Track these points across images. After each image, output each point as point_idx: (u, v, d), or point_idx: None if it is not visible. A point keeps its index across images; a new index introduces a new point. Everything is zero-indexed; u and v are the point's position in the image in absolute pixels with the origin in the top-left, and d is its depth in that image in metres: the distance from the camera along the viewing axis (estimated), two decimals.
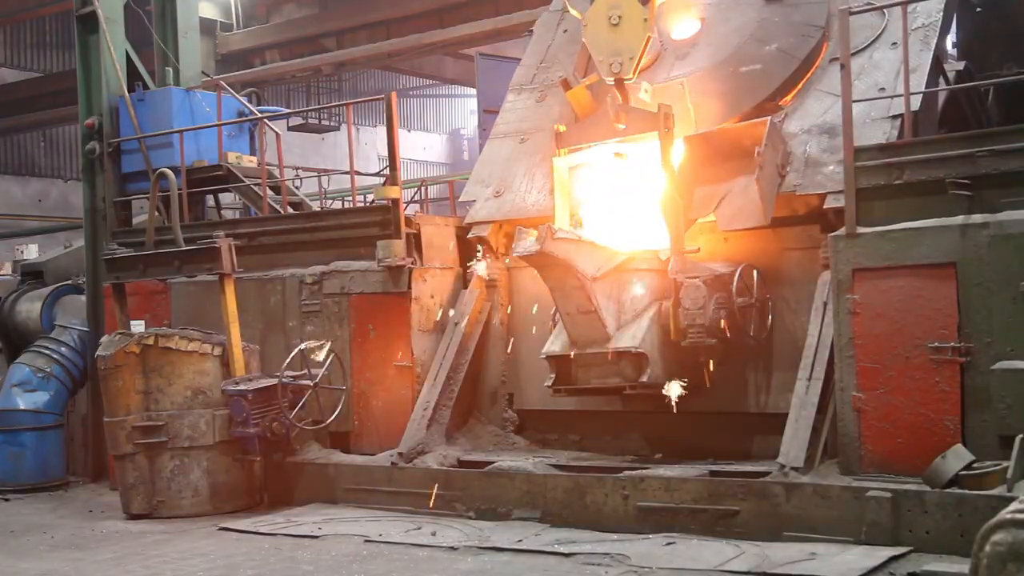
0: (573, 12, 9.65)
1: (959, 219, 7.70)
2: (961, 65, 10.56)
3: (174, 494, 9.94)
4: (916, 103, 8.52)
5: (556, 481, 8.65)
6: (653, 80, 9.60)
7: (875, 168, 8.17)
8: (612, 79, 9.01)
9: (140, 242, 11.58)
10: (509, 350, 10.41)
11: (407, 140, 32.82)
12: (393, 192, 10.39)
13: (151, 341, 10.07)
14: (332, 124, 27.14)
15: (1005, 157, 7.69)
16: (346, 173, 11.86)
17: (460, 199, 11.41)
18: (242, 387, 9.79)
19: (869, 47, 9.33)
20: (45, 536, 9.46)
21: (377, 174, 20.43)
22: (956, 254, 7.62)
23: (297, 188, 15.66)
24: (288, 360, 9.83)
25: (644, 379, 8.61)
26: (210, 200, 14.16)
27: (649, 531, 7.98)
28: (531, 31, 11.84)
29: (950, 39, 10.59)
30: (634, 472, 8.45)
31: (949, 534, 6.91)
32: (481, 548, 7.97)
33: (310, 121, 26.29)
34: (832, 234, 8.27)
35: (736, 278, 8.71)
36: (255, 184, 12.75)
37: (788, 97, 9.54)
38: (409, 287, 10.25)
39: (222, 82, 13.86)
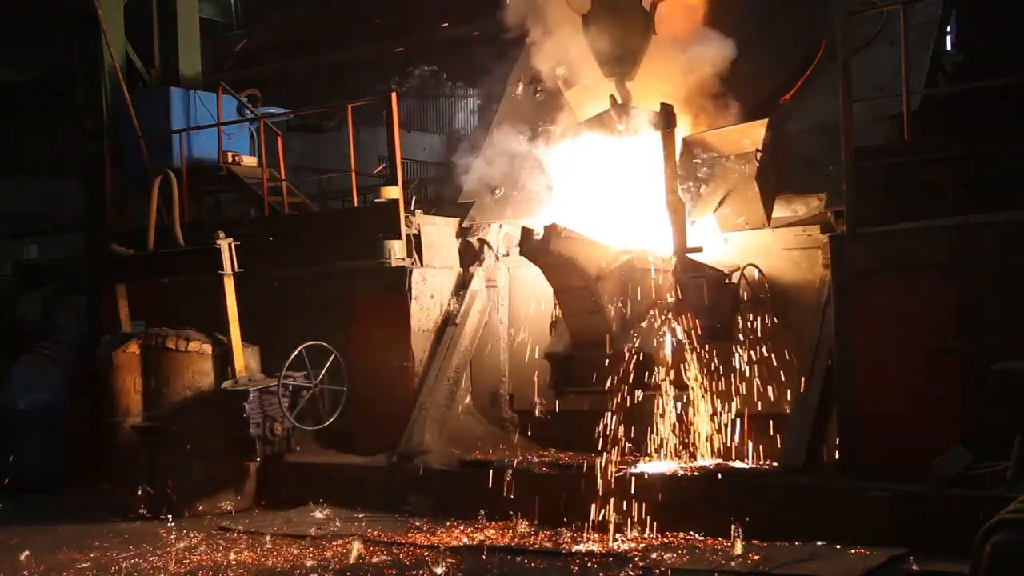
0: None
1: (959, 219, 7.69)
2: (960, 58, 10.56)
3: (174, 494, 9.92)
4: (915, 102, 8.52)
5: (556, 481, 8.64)
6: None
7: (875, 168, 8.17)
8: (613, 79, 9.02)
9: (140, 242, 11.58)
10: (509, 350, 10.43)
11: (407, 140, 32.71)
12: (393, 192, 10.38)
13: (151, 341, 10.07)
14: (332, 124, 27.07)
15: (1005, 157, 7.69)
16: (346, 173, 11.86)
17: (460, 199, 11.41)
18: (242, 387, 9.79)
19: (868, 45, 9.34)
20: (45, 536, 9.44)
21: (377, 174, 20.41)
22: (956, 254, 7.62)
23: (297, 188, 15.62)
24: (288, 360, 9.82)
25: (646, 379, 8.61)
26: (210, 200, 14.13)
27: (650, 531, 7.98)
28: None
29: (949, 34, 10.60)
30: (635, 472, 8.45)
31: (949, 534, 6.91)
32: (481, 548, 7.97)
33: (310, 121, 26.23)
34: (832, 234, 8.27)
35: (739, 278, 8.73)
36: (255, 184, 12.74)
37: (787, 96, 9.54)
38: (409, 287, 10.25)
39: (222, 82, 13.85)
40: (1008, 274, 7.42)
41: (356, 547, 8.13)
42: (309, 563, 7.82)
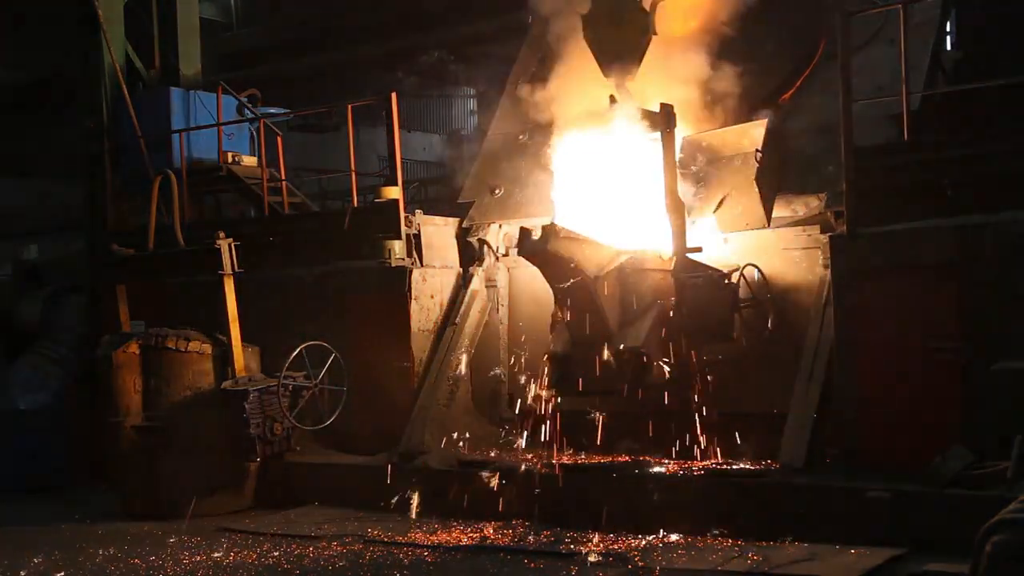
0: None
1: (959, 219, 7.69)
2: (960, 55, 10.56)
3: (174, 494, 9.93)
4: (915, 102, 8.52)
5: (556, 481, 8.64)
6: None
7: (874, 168, 8.16)
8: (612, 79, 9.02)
9: (140, 242, 11.58)
10: (509, 350, 10.42)
11: (407, 140, 32.69)
12: (393, 192, 10.39)
13: (151, 341, 10.07)
14: (332, 124, 27.05)
15: (1005, 157, 7.69)
16: (346, 173, 11.87)
17: (460, 199, 11.42)
18: (242, 387, 9.79)
19: (867, 44, 9.33)
20: (45, 536, 9.45)
21: (377, 174, 20.41)
22: (956, 254, 7.62)
23: (297, 188, 15.63)
24: (288, 360, 9.82)
25: (646, 379, 8.61)
26: (210, 200, 14.14)
27: (650, 531, 7.98)
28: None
29: (949, 34, 10.59)
30: (635, 472, 8.45)
31: (949, 534, 6.91)
32: (481, 548, 7.97)
33: (310, 121, 26.22)
34: (832, 234, 8.27)
35: (738, 278, 8.74)
36: (255, 184, 12.74)
37: (787, 96, 9.54)
38: (409, 287, 10.25)
39: (222, 82, 13.86)
40: (1008, 274, 7.41)
41: (356, 547, 8.13)
42: (310, 564, 7.82)
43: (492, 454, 9.63)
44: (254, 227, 11.90)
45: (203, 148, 12.93)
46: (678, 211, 8.69)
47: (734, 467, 8.40)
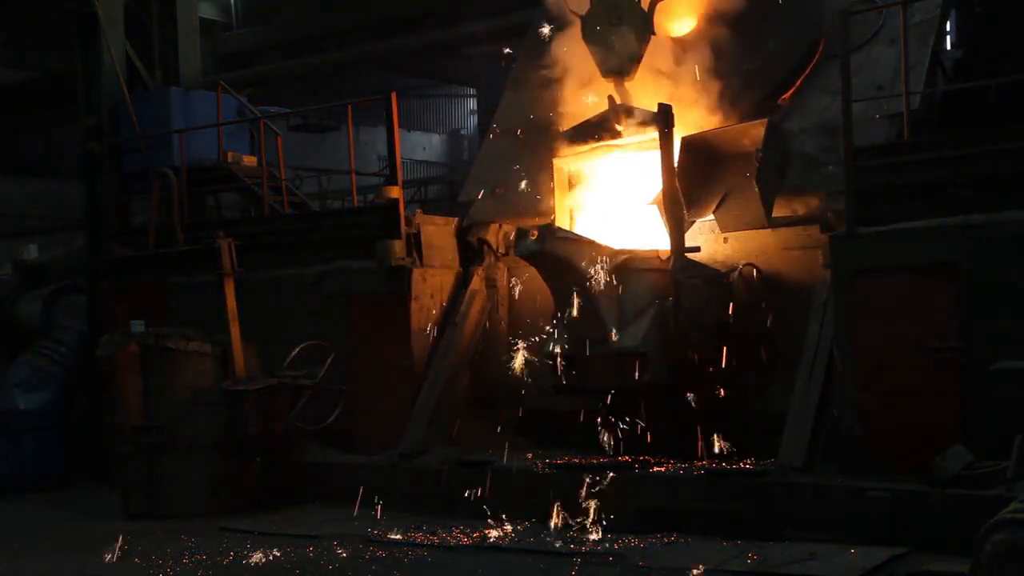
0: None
1: (959, 219, 7.69)
2: (959, 54, 10.56)
3: (174, 494, 9.93)
4: (915, 102, 8.52)
5: (556, 481, 8.64)
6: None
7: (875, 168, 8.16)
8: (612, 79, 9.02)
9: (140, 242, 11.59)
10: (508, 350, 10.42)
11: (407, 140, 32.74)
12: (393, 192, 10.39)
13: (151, 341, 10.06)
14: (332, 124, 27.08)
15: (1005, 157, 7.69)
16: (346, 173, 11.87)
17: (460, 199, 11.42)
18: (242, 387, 9.79)
19: (867, 44, 9.34)
20: (45, 536, 9.45)
21: (377, 174, 20.42)
22: (956, 254, 7.61)
23: (297, 188, 15.65)
24: (288, 360, 9.82)
25: (645, 379, 8.61)
26: (210, 200, 14.14)
27: (650, 531, 7.97)
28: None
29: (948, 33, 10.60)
30: (634, 472, 8.45)
31: (949, 534, 6.91)
32: (481, 548, 7.97)
33: (310, 121, 26.25)
34: (832, 234, 8.27)
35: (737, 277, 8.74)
36: (255, 184, 12.75)
37: (787, 95, 9.54)
38: (409, 287, 10.25)
39: (222, 82, 13.86)
40: (1008, 274, 7.41)
41: (357, 547, 8.15)
42: (310, 564, 7.82)
43: (492, 454, 9.63)
44: (254, 227, 11.90)
45: (203, 148, 12.93)
46: (676, 211, 8.70)
47: (734, 467, 8.40)
